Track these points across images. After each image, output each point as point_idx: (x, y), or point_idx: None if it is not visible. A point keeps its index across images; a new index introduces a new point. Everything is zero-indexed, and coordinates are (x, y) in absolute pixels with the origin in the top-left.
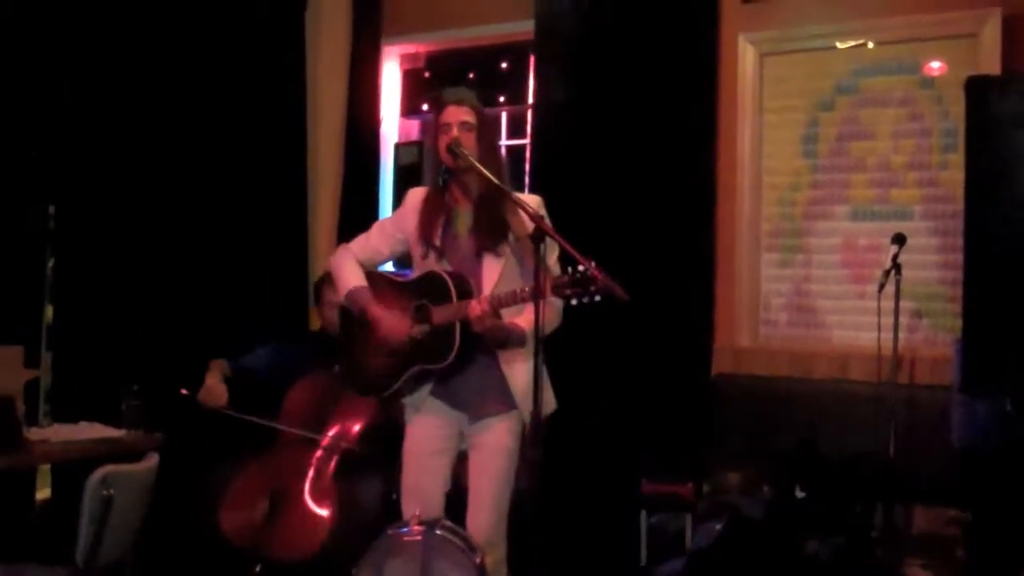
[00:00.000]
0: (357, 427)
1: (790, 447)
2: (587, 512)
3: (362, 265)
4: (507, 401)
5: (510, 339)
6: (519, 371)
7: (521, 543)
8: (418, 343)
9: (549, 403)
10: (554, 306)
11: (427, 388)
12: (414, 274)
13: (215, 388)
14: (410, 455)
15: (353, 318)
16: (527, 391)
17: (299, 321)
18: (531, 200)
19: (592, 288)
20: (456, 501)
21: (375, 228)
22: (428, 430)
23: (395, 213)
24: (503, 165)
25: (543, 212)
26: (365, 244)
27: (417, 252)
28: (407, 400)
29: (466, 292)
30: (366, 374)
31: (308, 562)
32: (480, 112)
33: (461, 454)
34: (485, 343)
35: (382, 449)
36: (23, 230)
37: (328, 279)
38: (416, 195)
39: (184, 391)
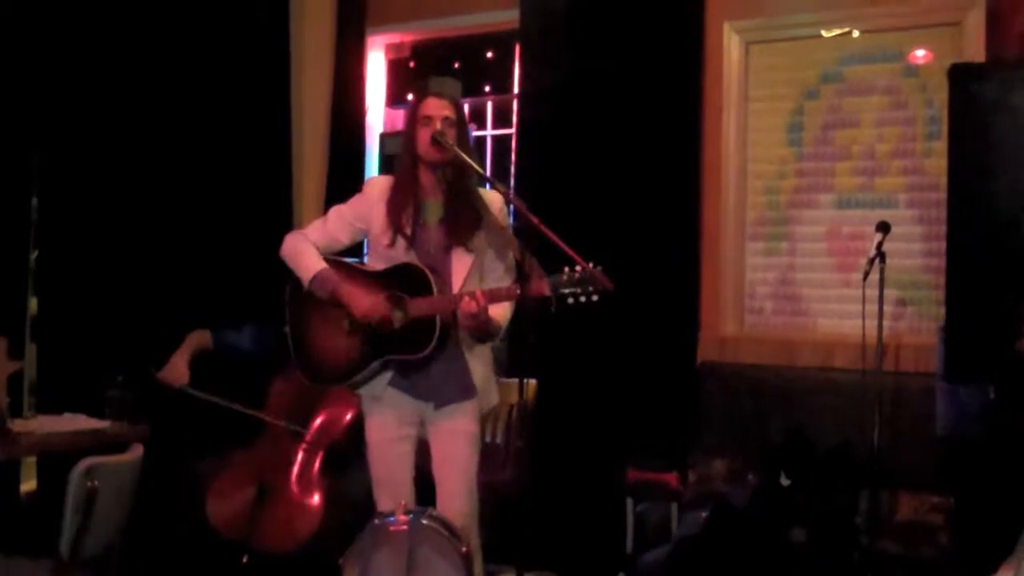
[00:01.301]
0: (343, 421)
1: (775, 435)
2: (573, 500)
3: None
4: (469, 389)
5: (490, 332)
6: (480, 361)
7: (508, 532)
8: (389, 333)
9: (493, 397)
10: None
11: (385, 378)
12: (373, 264)
13: (177, 366)
14: (375, 446)
15: (303, 303)
16: (486, 380)
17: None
18: (494, 197)
19: (590, 288)
20: (419, 487)
21: (332, 215)
22: (390, 419)
23: (353, 200)
24: (476, 160)
25: (505, 211)
26: (322, 230)
27: (382, 242)
28: (364, 391)
29: (442, 286)
30: (324, 363)
31: (295, 553)
32: (460, 108)
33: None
34: (456, 335)
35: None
36: (6, 221)
37: None
38: (379, 183)
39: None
